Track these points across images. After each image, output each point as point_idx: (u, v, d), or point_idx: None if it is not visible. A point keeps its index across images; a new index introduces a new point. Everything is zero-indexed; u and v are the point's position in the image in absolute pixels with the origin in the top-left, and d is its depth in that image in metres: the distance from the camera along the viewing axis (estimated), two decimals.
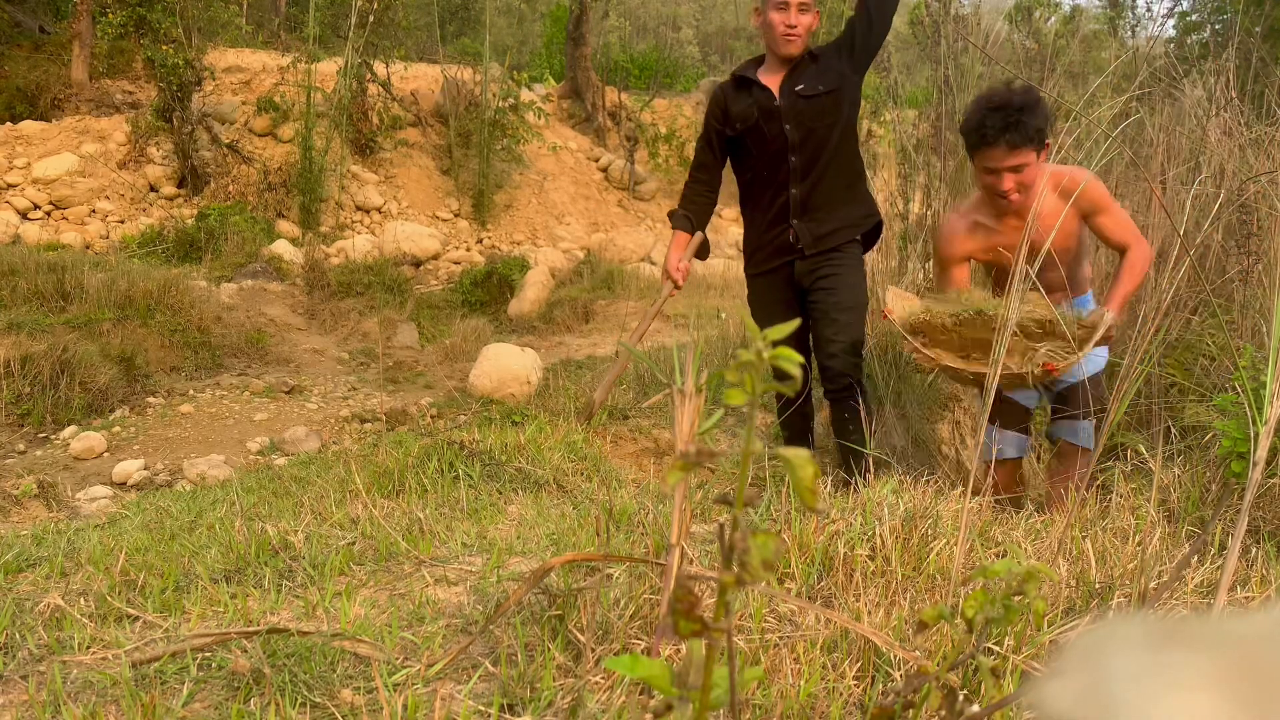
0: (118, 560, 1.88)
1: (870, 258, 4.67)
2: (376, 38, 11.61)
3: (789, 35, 3.00)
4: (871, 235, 3.29)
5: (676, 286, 3.32)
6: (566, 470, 2.81)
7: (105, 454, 4.82)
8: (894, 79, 5.25)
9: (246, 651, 1.39)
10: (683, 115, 15.67)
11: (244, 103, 12.03)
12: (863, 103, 3.31)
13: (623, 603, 1.44)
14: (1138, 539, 1.82)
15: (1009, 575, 0.88)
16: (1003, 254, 2.67)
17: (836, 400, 3.08)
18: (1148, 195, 4.10)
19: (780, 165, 3.14)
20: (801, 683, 1.30)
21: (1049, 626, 1.46)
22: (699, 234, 3.32)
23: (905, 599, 1.58)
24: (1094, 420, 2.74)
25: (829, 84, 3.09)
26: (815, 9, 3.04)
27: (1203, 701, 0.29)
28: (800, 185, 3.13)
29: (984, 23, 5.35)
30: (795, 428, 3.35)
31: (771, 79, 3.10)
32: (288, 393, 6.01)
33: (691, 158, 3.44)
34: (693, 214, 3.29)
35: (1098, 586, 1.65)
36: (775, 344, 0.59)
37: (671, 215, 3.34)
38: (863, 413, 2.96)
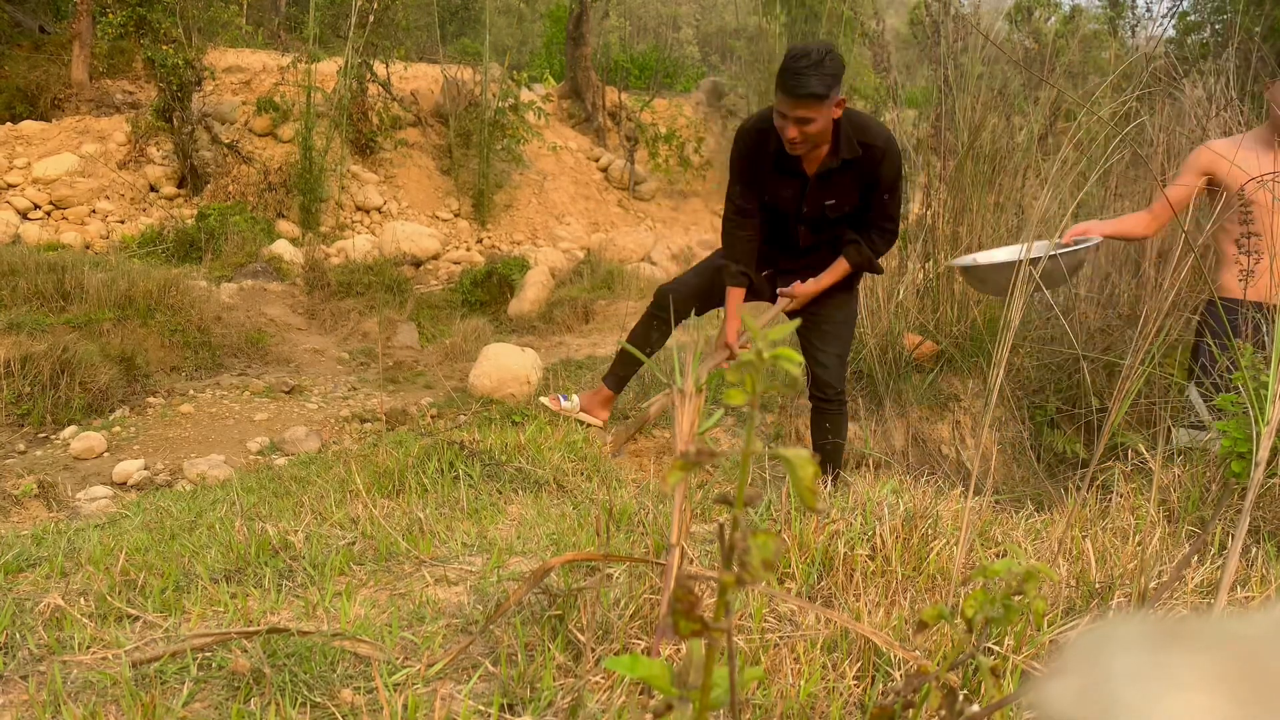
0: (118, 560, 1.88)
1: None
2: (376, 38, 11.60)
3: (792, 147, 2.81)
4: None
5: (731, 357, 3.11)
6: (566, 470, 2.81)
7: (105, 454, 4.82)
8: (894, 79, 5.25)
9: (246, 651, 1.39)
10: (683, 115, 15.67)
11: (244, 103, 12.03)
12: (863, 103, 3.29)
13: (623, 603, 1.44)
14: (1138, 539, 1.82)
15: (1009, 575, 0.88)
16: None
17: (822, 409, 3.14)
18: (1148, 195, 4.10)
19: (785, 232, 3.10)
20: (801, 683, 1.30)
21: (1049, 626, 1.46)
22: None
23: (905, 599, 1.58)
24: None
25: (853, 202, 2.96)
26: (829, 107, 2.72)
27: (1203, 701, 0.29)
28: (801, 256, 3.12)
29: (984, 22, 5.35)
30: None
31: (809, 165, 2.92)
32: (288, 393, 6.01)
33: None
34: (744, 263, 3.10)
35: (1098, 586, 1.65)
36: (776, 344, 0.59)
37: (725, 271, 3.14)
38: (844, 422, 3.12)
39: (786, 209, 3.00)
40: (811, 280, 3.06)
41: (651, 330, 3.40)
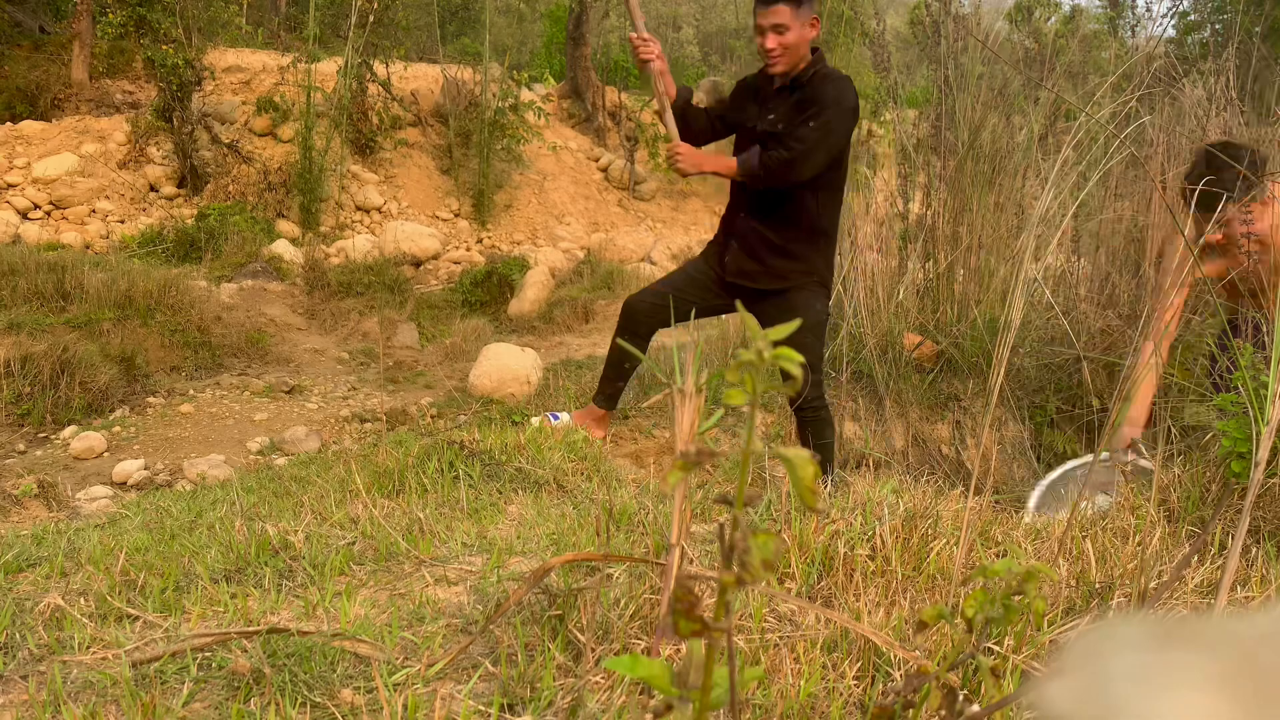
0: (118, 560, 1.88)
1: (871, 258, 4.67)
2: (376, 38, 11.60)
3: (769, 58, 2.98)
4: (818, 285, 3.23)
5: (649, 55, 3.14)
6: (566, 470, 2.81)
7: (105, 454, 4.82)
8: (894, 79, 5.25)
9: (246, 651, 1.39)
10: None
11: (244, 103, 12.03)
12: (863, 103, 3.28)
13: (623, 603, 1.44)
14: (1138, 539, 1.82)
15: (1009, 575, 0.88)
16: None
17: (801, 417, 3.19)
18: (1148, 195, 4.10)
19: (738, 183, 3.16)
20: (801, 683, 1.30)
21: (1049, 626, 1.46)
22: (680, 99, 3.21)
23: (905, 599, 1.58)
24: None
25: (792, 125, 3.00)
26: (802, 21, 2.93)
27: (1203, 701, 0.29)
28: (748, 213, 3.15)
29: (984, 23, 5.35)
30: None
31: (767, 91, 3.10)
32: (288, 392, 6.01)
33: None
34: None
35: (1098, 586, 1.65)
36: (776, 345, 0.59)
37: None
38: (825, 427, 3.17)
39: (742, 125, 3.16)
40: (701, 152, 3.11)
41: (627, 342, 3.37)
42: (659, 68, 3.10)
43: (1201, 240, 2.53)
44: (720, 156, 3.14)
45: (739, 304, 0.71)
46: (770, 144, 3.01)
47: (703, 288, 3.27)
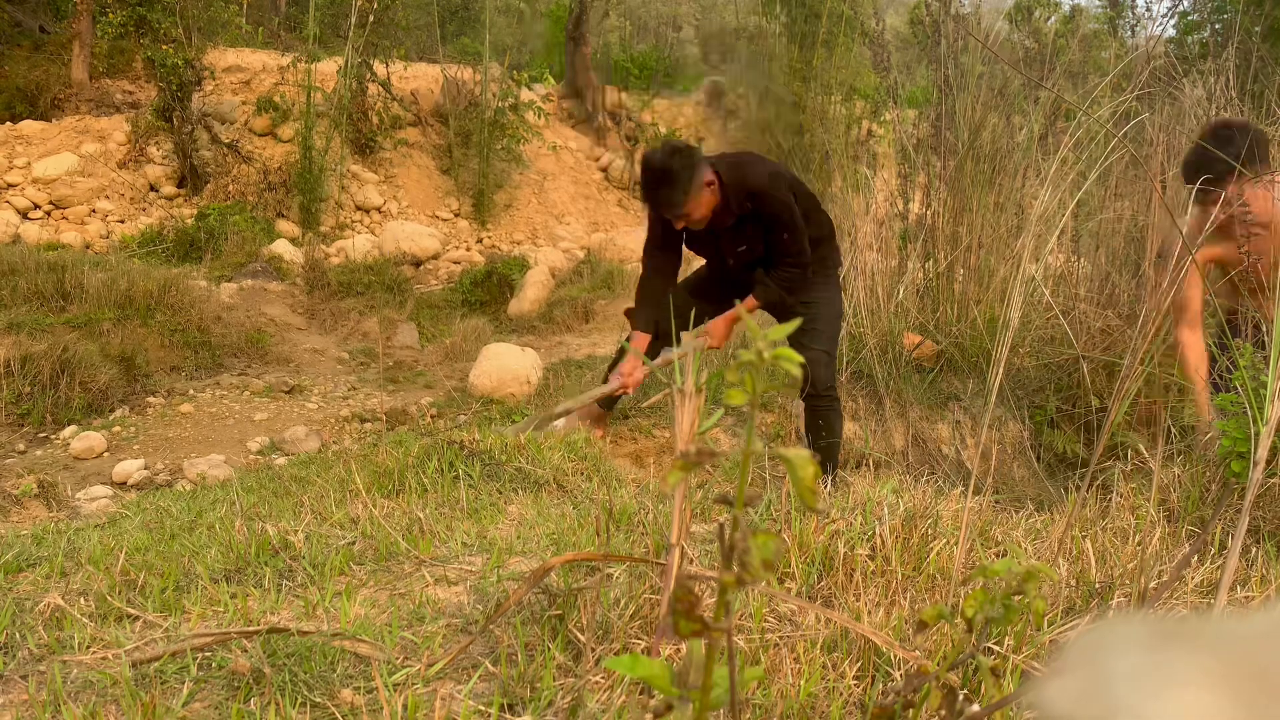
0: (118, 560, 1.88)
1: (871, 258, 4.67)
2: (376, 37, 11.59)
3: (693, 226, 3.04)
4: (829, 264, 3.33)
5: (624, 390, 3.30)
6: (566, 470, 2.81)
7: (105, 454, 4.82)
8: (894, 79, 5.25)
9: (246, 651, 1.39)
10: (683, 115, 15.67)
11: (244, 102, 12.02)
12: (863, 103, 3.30)
13: (623, 603, 1.44)
14: (1138, 539, 1.82)
15: (1009, 575, 0.88)
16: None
17: (814, 406, 3.18)
18: (1148, 195, 4.10)
19: (723, 269, 3.27)
20: (801, 683, 1.30)
21: (1049, 626, 1.46)
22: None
23: (905, 599, 1.58)
24: None
25: (760, 247, 3.13)
26: (695, 193, 2.92)
27: (1202, 701, 0.29)
28: (744, 291, 3.24)
29: (984, 23, 5.35)
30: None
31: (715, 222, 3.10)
32: (288, 392, 6.01)
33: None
34: (651, 309, 3.25)
35: (1098, 586, 1.65)
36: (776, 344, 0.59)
37: (629, 313, 3.33)
38: (837, 419, 3.22)
39: (711, 258, 3.27)
40: (720, 318, 3.22)
41: (642, 313, 3.42)
42: (640, 377, 3.26)
43: (1210, 225, 2.52)
44: (735, 311, 3.15)
45: (738, 304, 0.71)
46: (749, 262, 3.14)
47: (716, 302, 3.31)
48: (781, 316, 3.23)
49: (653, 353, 3.30)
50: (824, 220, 3.30)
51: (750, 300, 3.16)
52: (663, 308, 3.22)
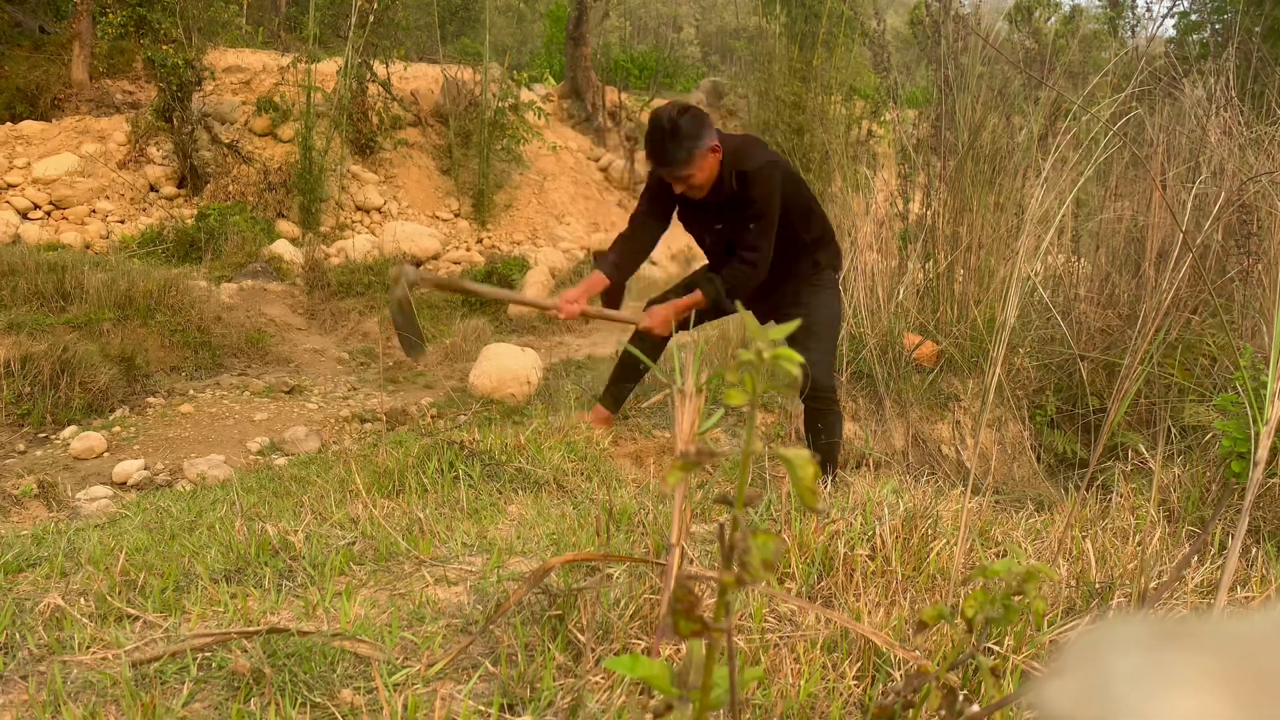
0: (118, 560, 1.88)
1: (871, 258, 4.67)
2: (376, 38, 11.60)
3: (690, 193, 3.00)
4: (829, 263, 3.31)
5: (558, 312, 3.22)
6: (566, 470, 2.81)
7: (105, 454, 4.82)
8: (894, 79, 5.24)
9: (246, 651, 1.39)
10: None
11: (244, 103, 12.02)
12: (862, 103, 3.30)
13: (623, 603, 1.44)
14: (1138, 539, 1.82)
15: (1009, 575, 0.88)
16: None
17: (813, 409, 3.19)
18: (1148, 195, 4.10)
19: (707, 250, 3.24)
20: (801, 683, 1.30)
21: (1049, 626, 1.46)
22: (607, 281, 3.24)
23: (905, 599, 1.58)
24: None
25: (740, 229, 3.10)
26: (700, 158, 2.90)
27: (1202, 701, 0.29)
28: (715, 258, 3.25)
29: (984, 23, 5.34)
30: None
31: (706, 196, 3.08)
32: (288, 393, 6.01)
33: None
34: (617, 258, 3.22)
35: (1098, 586, 1.65)
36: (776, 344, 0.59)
37: (598, 257, 3.30)
38: (837, 421, 3.18)
39: (696, 233, 3.22)
40: (665, 305, 3.20)
41: (642, 349, 3.40)
42: (576, 310, 3.13)
43: None
44: (680, 300, 3.18)
45: (739, 304, 0.71)
46: (724, 246, 3.13)
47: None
48: (779, 317, 3.22)
49: (613, 303, 3.27)
50: (823, 222, 3.27)
51: (696, 296, 3.13)
52: (629, 262, 3.19)
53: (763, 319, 3.23)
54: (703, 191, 2.98)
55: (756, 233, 3.01)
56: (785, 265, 3.18)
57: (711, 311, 3.25)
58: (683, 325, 3.32)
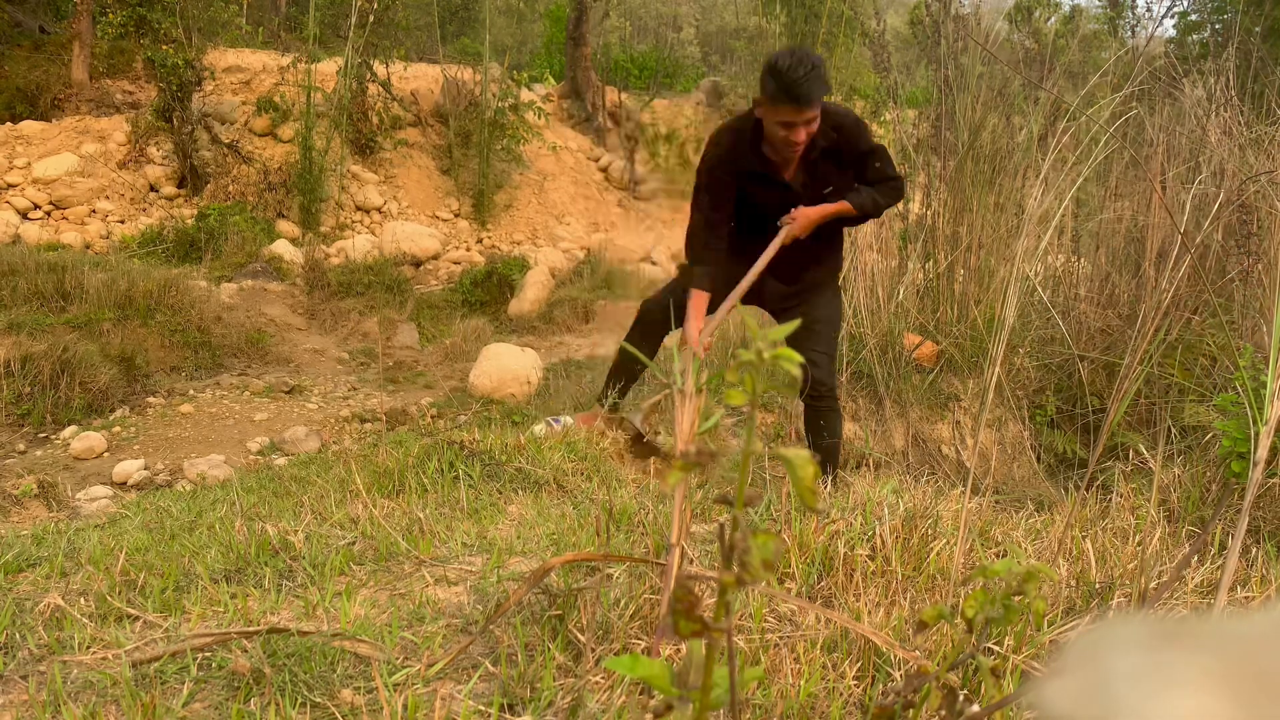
0: (118, 560, 1.88)
1: (871, 258, 4.67)
2: (376, 38, 11.60)
3: (794, 151, 2.90)
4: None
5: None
6: (566, 470, 2.81)
7: (105, 454, 4.82)
8: (894, 79, 5.24)
9: (246, 651, 1.39)
10: (683, 115, 15.68)
11: (244, 103, 12.03)
12: (863, 103, 3.30)
13: (623, 603, 1.44)
14: (1138, 539, 1.82)
15: (1009, 575, 0.88)
16: None
17: (815, 407, 3.17)
18: (1148, 195, 4.10)
19: (765, 229, 3.09)
20: (801, 683, 1.30)
21: (1049, 626, 1.46)
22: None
23: (905, 599, 1.58)
24: None
25: (848, 180, 3.04)
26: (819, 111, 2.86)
27: (1202, 701, 0.29)
28: (793, 244, 3.11)
29: (984, 23, 5.34)
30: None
31: (785, 171, 3.01)
32: (288, 393, 6.01)
33: (693, 160, 3.40)
34: (710, 269, 3.08)
35: (1098, 586, 1.65)
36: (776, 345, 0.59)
37: (692, 275, 3.12)
38: (838, 420, 3.15)
39: (773, 214, 3.05)
40: (812, 209, 3.02)
41: (640, 345, 3.38)
42: (709, 343, 3.03)
43: None
44: (829, 206, 3.04)
45: (739, 305, 0.71)
46: (800, 200, 3.00)
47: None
48: (781, 316, 3.21)
49: (713, 307, 3.12)
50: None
51: (843, 204, 3.02)
52: (719, 265, 3.06)
53: (799, 296, 3.17)
54: (800, 148, 2.88)
55: (886, 164, 3.00)
56: (830, 242, 3.15)
57: (711, 306, 3.21)
58: (681, 324, 3.30)
